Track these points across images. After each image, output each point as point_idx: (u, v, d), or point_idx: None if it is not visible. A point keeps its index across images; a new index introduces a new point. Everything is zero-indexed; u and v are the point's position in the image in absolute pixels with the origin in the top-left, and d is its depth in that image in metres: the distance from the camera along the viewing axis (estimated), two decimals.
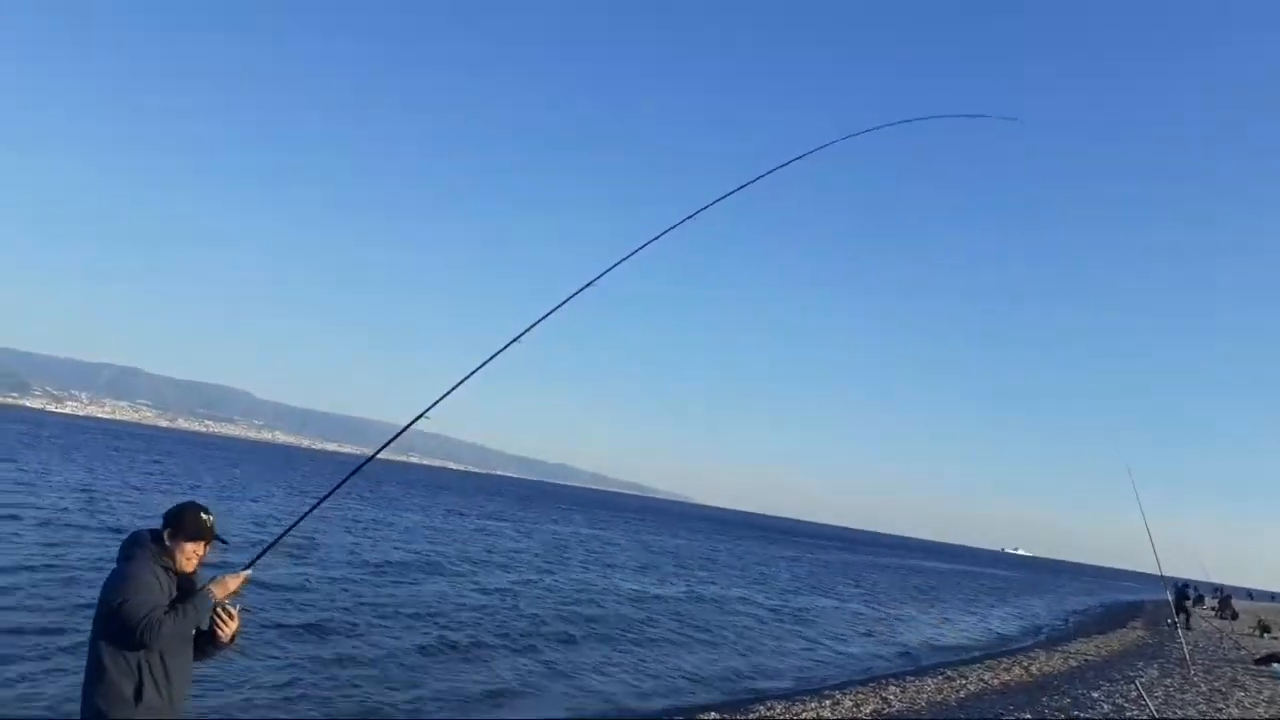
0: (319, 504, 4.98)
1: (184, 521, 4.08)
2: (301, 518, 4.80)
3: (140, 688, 3.82)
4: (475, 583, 23.13)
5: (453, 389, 5.33)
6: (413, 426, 5.39)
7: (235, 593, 4.17)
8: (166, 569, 4.02)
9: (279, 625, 14.05)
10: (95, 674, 3.84)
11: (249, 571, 4.27)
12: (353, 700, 10.87)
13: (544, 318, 5.77)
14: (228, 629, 4.18)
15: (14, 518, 21.75)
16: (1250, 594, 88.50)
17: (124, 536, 4.16)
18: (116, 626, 3.80)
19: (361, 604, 17.28)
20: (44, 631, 11.51)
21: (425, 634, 15.42)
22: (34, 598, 13.51)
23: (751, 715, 11.74)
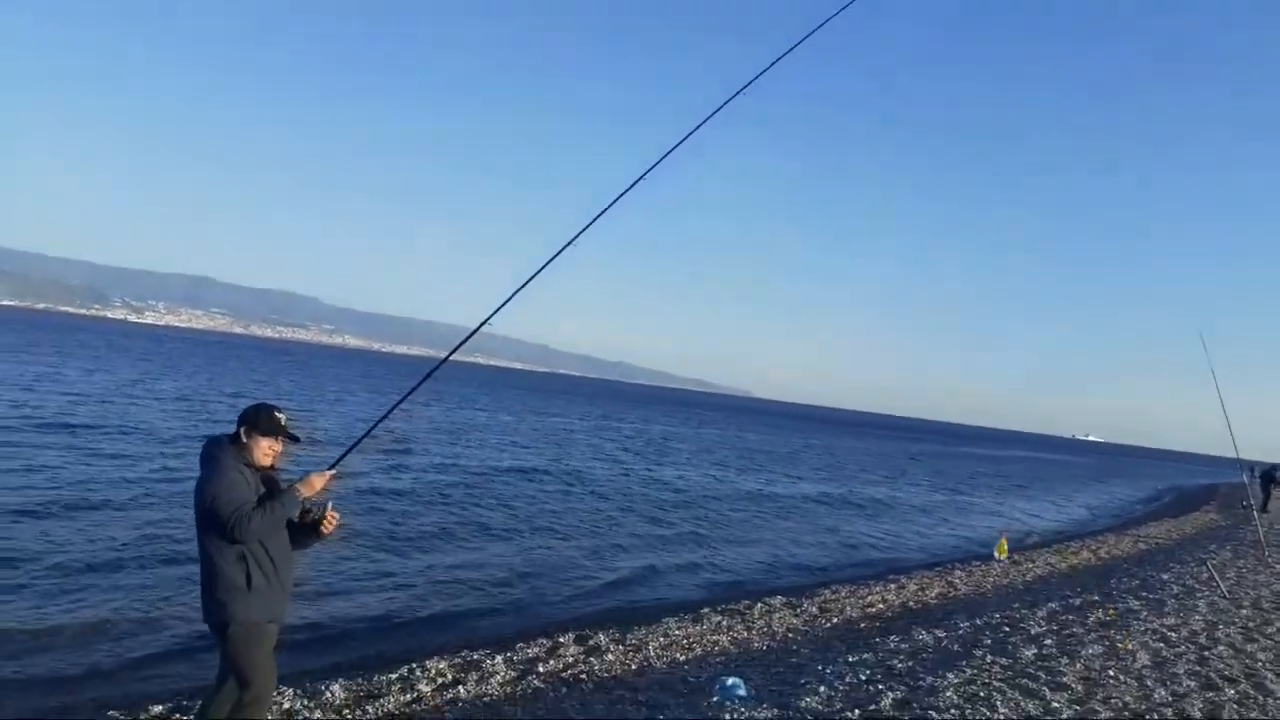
0: (398, 404, 5.10)
1: (259, 420, 4.30)
2: (382, 418, 4.95)
3: (249, 576, 4.14)
4: (566, 479, 23.71)
5: (519, 290, 5.36)
6: (484, 328, 5.46)
7: (322, 490, 4.40)
8: (248, 465, 4.25)
9: (382, 526, 14.63)
10: (207, 572, 4.19)
11: (333, 470, 4.49)
12: (471, 595, 11.33)
13: (600, 214, 5.71)
14: (329, 525, 4.48)
15: (131, 430, 22.80)
16: None
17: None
18: (212, 524, 4.08)
19: (465, 503, 17.87)
20: (171, 541, 11.88)
21: (533, 528, 15.95)
22: (162, 507, 14.22)
23: (818, 599, 11.97)
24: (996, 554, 7.49)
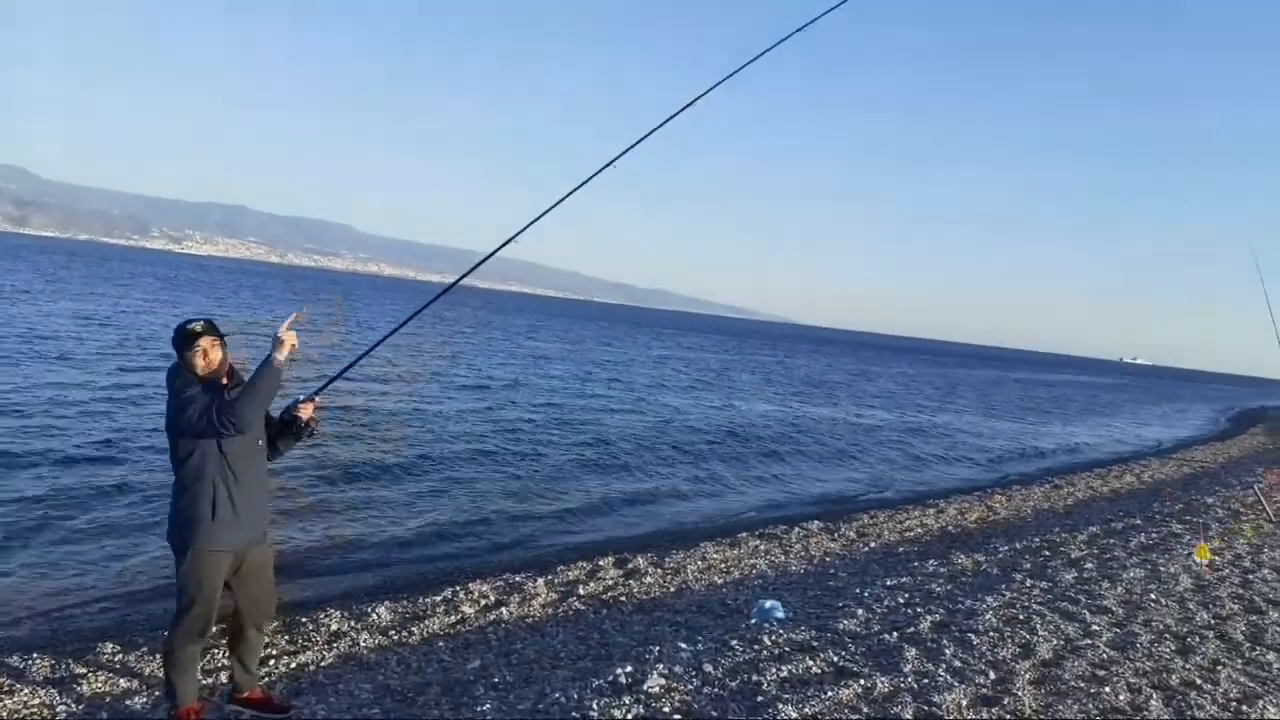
0: (399, 328, 5.11)
1: (178, 340, 4.16)
2: (382, 340, 5.05)
3: (215, 504, 4.10)
4: (615, 407, 23.87)
5: (542, 214, 5.29)
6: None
7: (291, 354, 4.21)
8: (202, 383, 4.12)
9: (421, 449, 14.87)
10: (175, 495, 4.19)
11: (291, 326, 4.27)
12: (512, 519, 11.54)
13: (637, 144, 5.60)
14: (306, 409, 4.46)
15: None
16: None
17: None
18: (190, 439, 4.06)
19: (510, 429, 18.09)
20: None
21: (572, 454, 16.14)
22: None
23: (855, 523, 12.01)
24: (1198, 557, 7.48)
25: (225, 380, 4.25)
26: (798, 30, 6.62)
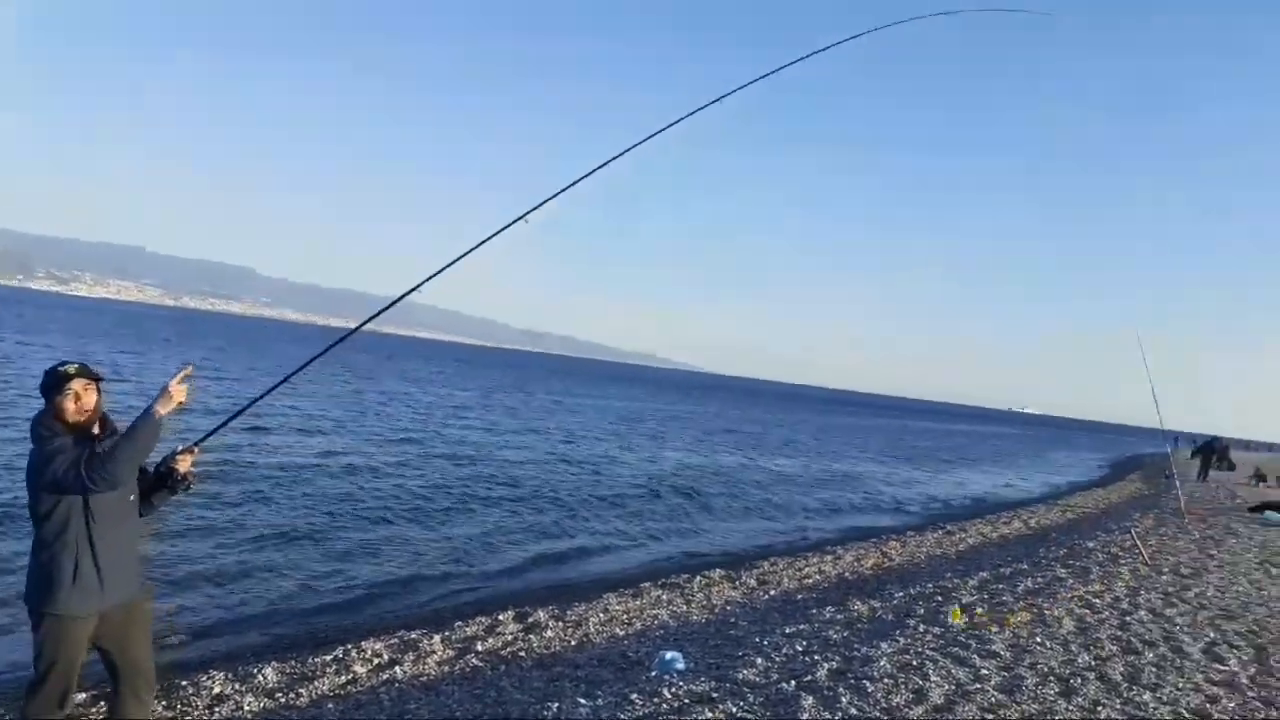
0: (291, 376, 4.97)
1: (47, 383, 3.94)
2: (273, 388, 4.88)
3: (77, 565, 3.84)
4: (508, 456, 23.56)
5: (451, 264, 5.22)
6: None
7: (177, 409, 3.99)
8: (72, 433, 3.89)
9: (309, 501, 14.38)
10: (33, 554, 3.90)
11: (183, 380, 4.04)
12: (407, 574, 11.21)
13: (553, 197, 5.59)
14: (184, 460, 4.21)
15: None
16: (1248, 445, 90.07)
17: None
18: (52, 492, 3.78)
19: (401, 478, 17.65)
20: None
21: (471, 504, 15.81)
22: None
23: (756, 571, 12.10)
24: (952, 620, 7.69)
25: (97, 430, 4.01)
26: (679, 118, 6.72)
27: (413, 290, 5.18)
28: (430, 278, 5.18)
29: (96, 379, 4.02)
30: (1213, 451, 34.03)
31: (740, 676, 6.15)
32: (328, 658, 7.07)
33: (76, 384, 3.91)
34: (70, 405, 3.90)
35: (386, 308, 5.28)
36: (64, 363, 3.99)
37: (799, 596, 10.53)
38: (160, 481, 4.25)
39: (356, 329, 5.53)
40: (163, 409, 3.88)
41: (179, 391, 3.95)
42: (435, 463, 20.70)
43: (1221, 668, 7.03)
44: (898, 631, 7.62)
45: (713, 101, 6.27)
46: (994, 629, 7.74)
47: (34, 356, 35.82)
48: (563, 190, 5.65)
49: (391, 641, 7.63)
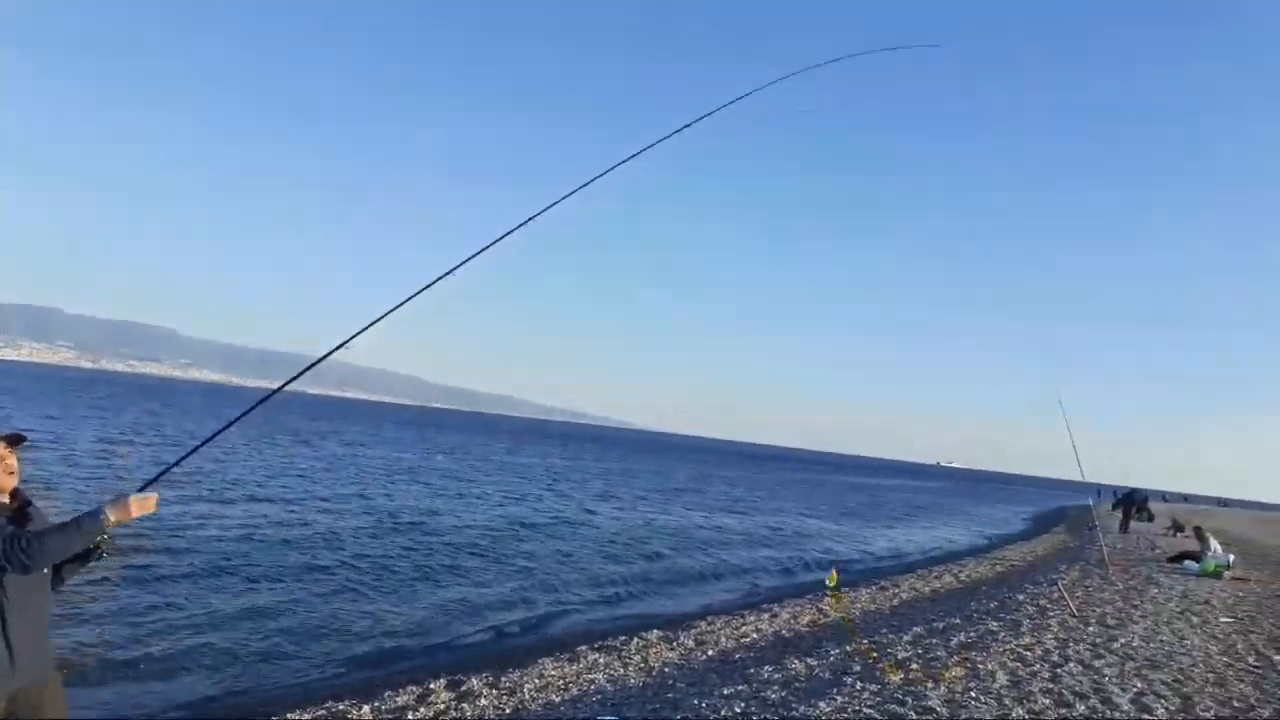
0: (218, 433, 4.83)
1: None
2: (200, 445, 4.73)
3: (9, 644, 3.61)
4: (434, 517, 23.09)
5: (375, 321, 5.09)
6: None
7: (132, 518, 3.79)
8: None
9: (226, 569, 13.87)
10: None
11: (150, 494, 3.87)
12: (335, 641, 10.83)
13: (480, 252, 5.56)
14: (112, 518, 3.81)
15: None
16: (1164, 496, 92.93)
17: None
18: None
19: (327, 545, 17.13)
20: None
21: (401, 570, 15.40)
22: None
23: (694, 630, 12.01)
24: (828, 582, 7.70)
25: (8, 500, 3.79)
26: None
27: (339, 348, 5.03)
28: (355, 335, 5.06)
29: (18, 441, 3.84)
30: (1133, 503, 34.99)
31: None
32: None
33: (2, 448, 3.74)
34: None
35: (308, 368, 5.15)
36: None
37: (737, 656, 10.46)
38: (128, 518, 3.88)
39: (278, 390, 5.36)
40: (114, 516, 3.68)
41: (142, 505, 3.76)
42: (365, 521, 20.22)
43: (1150, 718, 7.16)
44: (835, 690, 7.60)
45: (597, 178, 6.33)
46: (929, 684, 7.78)
47: None
48: (492, 244, 5.62)
49: (319, 713, 7.36)
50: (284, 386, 5.37)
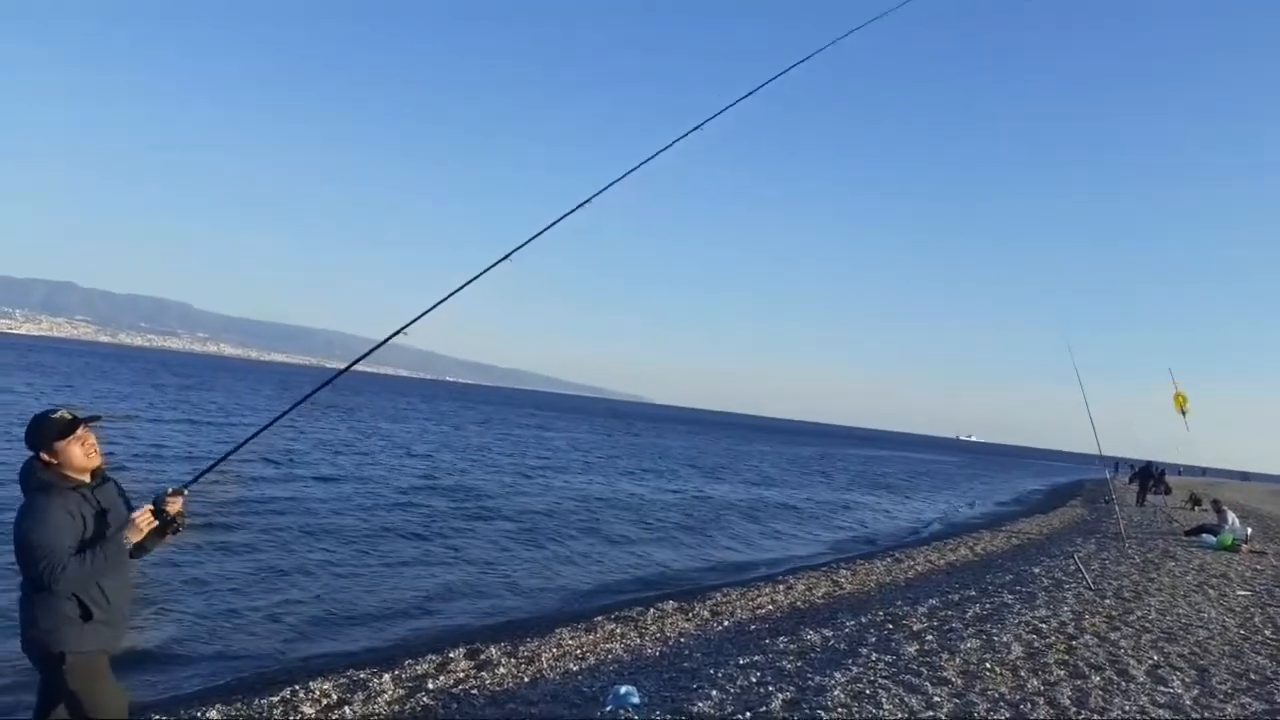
0: (280, 417, 4.86)
1: (42, 433, 3.85)
2: (259, 432, 4.72)
3: (85, 606, 3.78)
4: (461, 493, 23.27)
5: (437, 305, 5.11)
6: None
7: (158, 524, 3.99)
8: (75, 489, 3.85)
9: (256, 539, 14.05)
10: (31, 599, 3.78)
11: (180, 491, 4.09)
12: (355, 612, 10.98)
13: (535, 237, 5.52)
14: (174, 503, 4.03)
15: None
16: (1180, 470, 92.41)
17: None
18: (26, 563, 3.71)
19: (354, 516, 17.32)
20: None
21: (424, 539, 15.57)
22: None
23: (709, 602, 12.09)
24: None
25: (88, 479, 3.94)
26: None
27: (399, 332, 5.06)
28: (416, 319, 5.07)
29: (94, 420, 3.99)
30: (1149, 477, 34.88)
31: (695, 709, 6.13)
32: (275, 699, 6.89)
33: (83, 429, 3.89)
34: (82, 456, 3.87)
35: (371, 351, 5.30)
36: (55, 408, 3.93)
37: (752, 627, 10.53)
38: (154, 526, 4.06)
39: (342, 372, 5.45)
40: (134, 536, 3.89)
41: (147, 522, 3.92)
42: (387, 493, 20.43)
43: (1165, 690, 7.18)
44: (850, 660, 7.66)
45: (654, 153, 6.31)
46: (944, 656, 7.82)
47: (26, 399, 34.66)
48: (543, 231, 5.58)
49: (340, 681, 7.46)
50: (350, 367, 5.41)
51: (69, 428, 3.84)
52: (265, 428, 4.79)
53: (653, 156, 6.08)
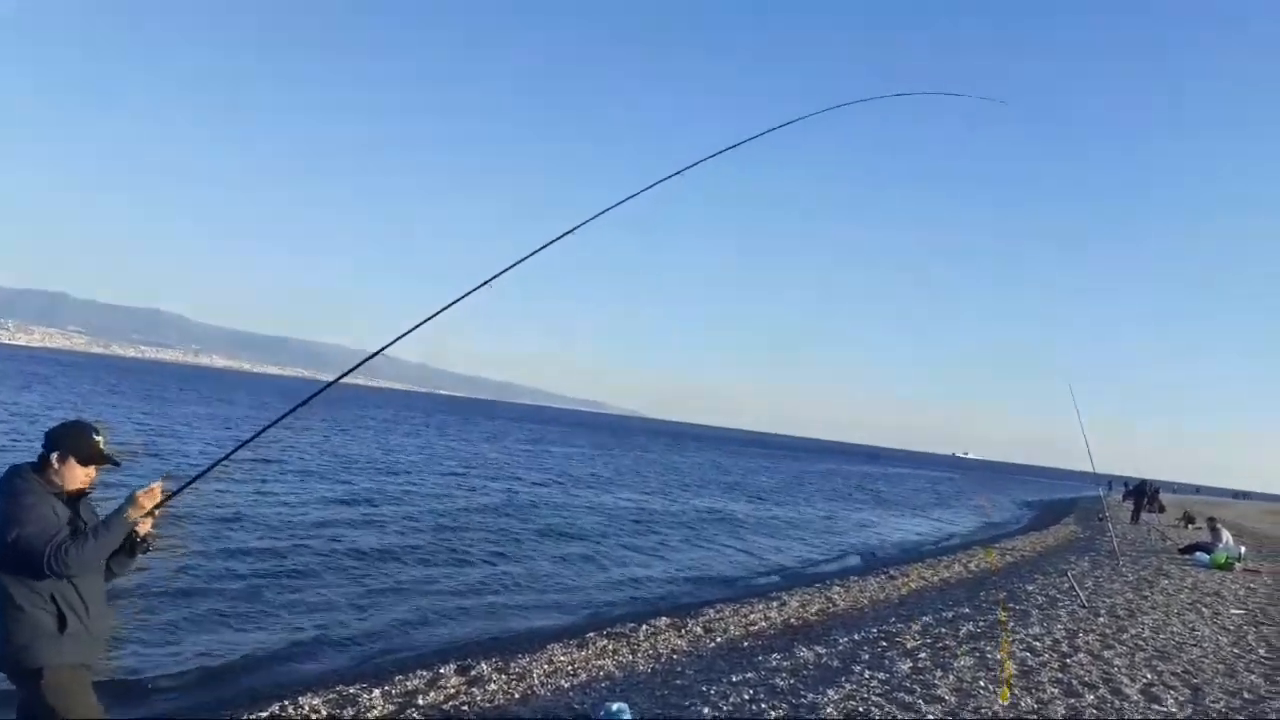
0: (267, 428, 4.80)
1: (75, 444, 3.79)
2: (246, 441, 4.65)
3: (62, 617, 3.67)
4: (453, 504, 23.19)
5: (426, 320, 5.07)
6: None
7: (154, 509, 3.89)
8: (57, 495, 3.75)
9: (244, 553, 13.96)
10: (5, 614, 3.64)
11: (160, 485, 3.94)
12: (346, 626, 10.90)
13: (517, 263, 5.48)
14: (145, 523, 3.91)
15: None
16: (1174, 488, 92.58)
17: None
18: (17, 562, 3.58)
19: (342, 529, 17.23)
20: None
21: (415, 556, 15.48)
22: None
23: (702, 618, 12.03)
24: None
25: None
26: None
27: (387, 346, 5.03)
28: (395, 340, 5.06)
29: (116, 464, 4.00)
30: (1144, 494, 34.87)
31: None
32: (262, 714, 6.83)
33: (94, 469, 3.88)
34: (82, 481, 3.82)
35: (361, 363, 5.22)
36: (97, 428, 3.90)
37: (745, 644, 10.48)
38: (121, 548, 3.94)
39: (332, 383, 5.36)
40: (134, 512, 3.78)
41: (149, 498, 3.84)
42: (380, 506, 20.35)
43: (1159, 708, 7.16)
44: (843, 678, 7.62)
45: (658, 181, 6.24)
46: (938, 673, 7.79)
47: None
48: (527, 257, 5.54)
49: (330, 697, 7.40)
50: (338, 380, 5.35)
51: (92, 457, 3.83)
52: (247, 442, 4.71)
53: (638, 192, 6.04)
